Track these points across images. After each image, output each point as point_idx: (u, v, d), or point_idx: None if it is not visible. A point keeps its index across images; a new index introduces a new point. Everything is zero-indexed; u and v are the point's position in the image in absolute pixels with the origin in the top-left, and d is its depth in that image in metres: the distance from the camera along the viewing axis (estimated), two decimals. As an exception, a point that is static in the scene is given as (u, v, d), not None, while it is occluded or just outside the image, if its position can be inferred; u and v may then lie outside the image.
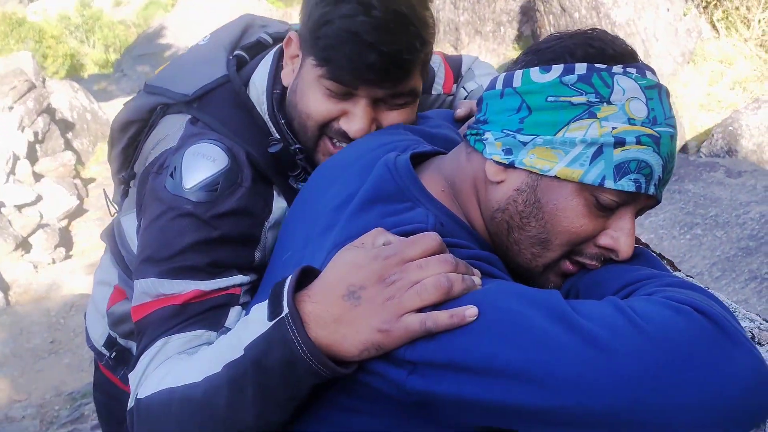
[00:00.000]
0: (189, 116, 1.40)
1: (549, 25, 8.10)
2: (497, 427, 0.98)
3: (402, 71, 1.24)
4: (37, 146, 8.01)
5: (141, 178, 1.44)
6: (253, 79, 1.43)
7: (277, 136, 1.37)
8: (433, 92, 1.67)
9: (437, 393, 0.88)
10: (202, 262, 1.21)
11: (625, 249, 1.01)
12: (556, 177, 0.98)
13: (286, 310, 0.91)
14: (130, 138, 1.59)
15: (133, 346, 1.66)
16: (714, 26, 7.82)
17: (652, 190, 0.98)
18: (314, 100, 1.28)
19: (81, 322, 4.94)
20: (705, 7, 7.86)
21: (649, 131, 0.95)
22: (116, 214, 1.74)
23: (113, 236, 1.68)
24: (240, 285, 1.24)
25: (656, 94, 0.98)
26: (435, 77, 1.67)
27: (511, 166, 1.02)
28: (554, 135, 0.98)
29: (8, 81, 8.38)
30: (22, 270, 6.25)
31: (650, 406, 0.79)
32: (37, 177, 7.62)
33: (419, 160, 1.15)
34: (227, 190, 1.25)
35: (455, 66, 1.72)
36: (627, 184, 0.96)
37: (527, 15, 10.06)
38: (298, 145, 1.36)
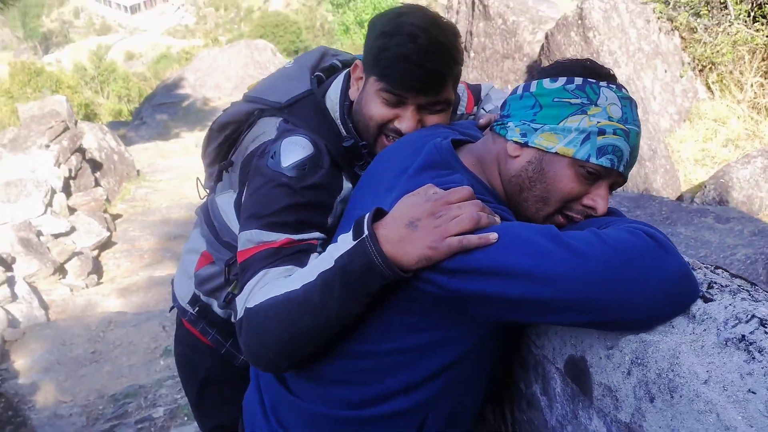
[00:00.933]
0: (281, 119, 1.85)
1: (554, 83, 8.58)
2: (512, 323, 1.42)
3: (439, 84, 1.69)
4: (71, 182, 8.47)
5: (243, 163, 1.88)
6: (328, 94, 1.89)
7: (347, 135, 1.82)
8: (458, 113, 2.11)
9: (469, 291, 1.28)
10: (292, 219, 1.62)
11: (601, 207, 1.42)
12: (556, 153, 1.41)
13: (366, 232, 1.33)
14: (226, 136, 2.05)
15: (212, 302, 2.09)
16: (709, 88, 8.22)
17: (622, 168, 1.41)
18: (375, 107, 1.73)
19: (119, 335, 5.36)
20: (701, 70, 8.30)
21: (622, 127, 1.39)
22: (207, 196, 2.19)
23: (207, 212, 2.11)
24: (317, 239, 1.65)
25: (628, 103, 1.43)
26: (459, 101, 2.12)
27: (525, 145, 1.45)
28: (557, 124, 1.41)
29: (45, 122, 8.89)
30: (59, 292, 6.66)
31: (611, 293, 1.20)
32: (71, 210, 8.06)
33: (455, 145, 1.60)
34: (312, 170, 1.68)
35: (476, 92, 2.17)
36: (605, 161, 1.39)
37: (533, 74, 10.59)
38: (363, 142, 1.81)
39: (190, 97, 18.24)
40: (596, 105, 1.39)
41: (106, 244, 7.92)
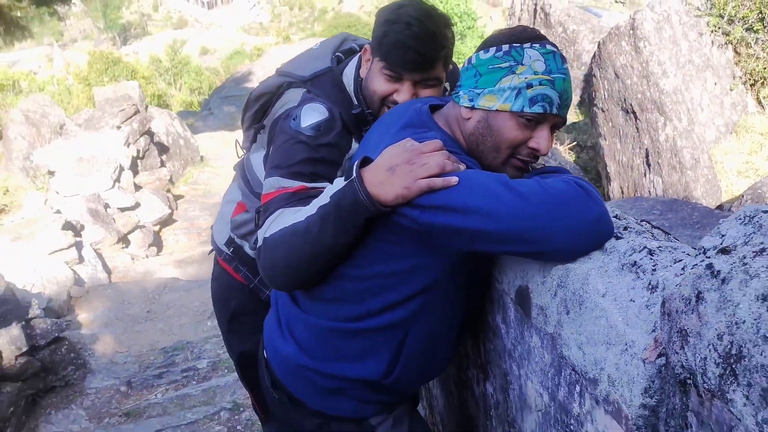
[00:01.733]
0: (304, 90, 2.22)
1: (603, 89, 8.77)
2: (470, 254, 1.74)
3: (430, 65, 2.02)
4: (138, 161, 9.04)
5: (271, 125, 2.26)
6: (345, 71, 2.24)
7: (357, 104, 2.18)
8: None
9: (435, 224, 1.58)
10: (307, 170, 1.95)
11: (543, 147, 1.67)
12: (497, 110, 1.67)
13: (354, 175, 1.66)
14: (261, 105, 2.43)
15: (244, 244, 2.45)
16: (760, 102, 8.26)
17: (555, 111, 1.64)
18: (379, 83, 2.06)
19: (173, 298, 5.84)
20: (752, 85, 8.36)
21: (547, 77, 1.65)
22: (245, 154, 2.57)
23: (243, 168, 2.49)
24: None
25: (551, 56, 1.64)
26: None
27: (473, 108, 1.73)
28: (494, 87, 1.68)
29: (118, 104, 9.51)
30: (121, 259, 7.21)
31: (544, 229, 1.50)
32: (137, 187, 8.63)
33: (433, 110, 1.92)
34: (327, 131, 2.02)
35: None
36: (537, 108, 1.62)
37: (588, 82, 10.75)
38: (369, 111, 2.16)
39: (257, 91, 18.81)
40: (522, 64, 1.64)
41: (167, 221, 8.46)
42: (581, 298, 1.51)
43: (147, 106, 10.51)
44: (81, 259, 6.53)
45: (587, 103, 10.32)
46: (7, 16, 11.13)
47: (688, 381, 1.13)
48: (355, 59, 2.23)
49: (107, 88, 10.58)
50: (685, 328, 1.10)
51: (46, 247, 6.19)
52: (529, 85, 1.64)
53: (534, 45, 1.69)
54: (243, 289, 2.53)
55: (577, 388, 1.54)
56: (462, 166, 1.62)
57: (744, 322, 0.98)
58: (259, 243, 1.87)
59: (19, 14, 11.58)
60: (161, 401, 4.23)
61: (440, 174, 1.57)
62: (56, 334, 4.53)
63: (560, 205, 1.50)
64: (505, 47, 1.69)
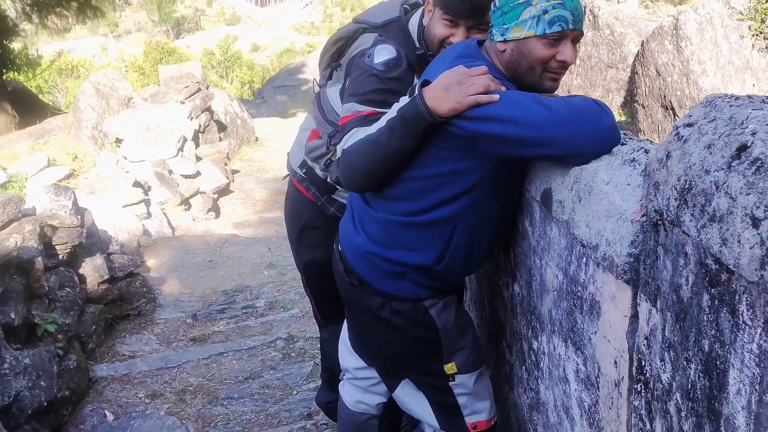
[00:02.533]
0: (377, 34, 2.65)
1: (644, 86, 9.09)
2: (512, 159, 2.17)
3: (481, 13, 2.31)
4: (200, 135, 9.64)
5: (348, 63, 2.69)
6: (411, 20, 2.66)
7: (420, 47, 2.61)
8: None
9: (480, 131, 1.89)
10: (377, 98, 2.32)
11: (569, 58, 1.98)
12: (524, 38, 1.97)
13: (417, 92, 2.05)
14: (338, 47, 2.88)
15: (315, 166, 2.85)
16: (798, 105, 8.58)
17: (571, 26, 1.94)
18: (438, 28, 2.45)
19: (233, 251, 6.39)
20: None
21: (558, 1, 1.92)
22: (320, 90, 2.95)
23: (319, 100, 2.87)
24: None
25: None
26: None
27: (505, 41, 2.02)
28: (517, 20, 1.96)
29: (183, 81, 10.12)
30: (183, 219, 7.79)
31: (567, 134, 1.81)
32: (198, 158, 9.23)
33: (480, 44, 2.32)
34: (394, 67, 2.39)
35: None
36: (557, 28, 1.93)
37: (632, 80, 11.04)
38: (430, 53, 2.57)
39: (308, 82, 19.28)
40: None
41: (224, 191, 9.04)
42: (590, 188, 1.88)
43: (208, 86, 11.11)
44: (149, 215, 7.12)
45: (629, 101, 10.62)
46: (79, -2, 11.76)
47: (659, 221, 1.55)
48: (420, 11, 2.66)
49: (172, 66, 11.22)
50: (658, 180, 1.50)
51: (119, 200, 6.78)
52: (545, 11, 1.96)
53: None
54: (312, 205, 2.94)
55: (584, 259, 1.92)
56: (503, 88, 1.97)
57: (695, 164, 1.38)
58: (338, 155, 2.30)
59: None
60: (224, 330, 4.76)
61: (485, 92, 1.94)
62: (131, 269, 5.09)
63: (581, 116, 1.87)
64: None
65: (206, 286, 5.70)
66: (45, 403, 3.53)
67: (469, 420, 2.43)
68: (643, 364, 1.61)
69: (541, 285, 2.25)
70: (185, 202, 8.16)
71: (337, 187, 2.82)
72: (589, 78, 12.24)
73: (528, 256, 2.36)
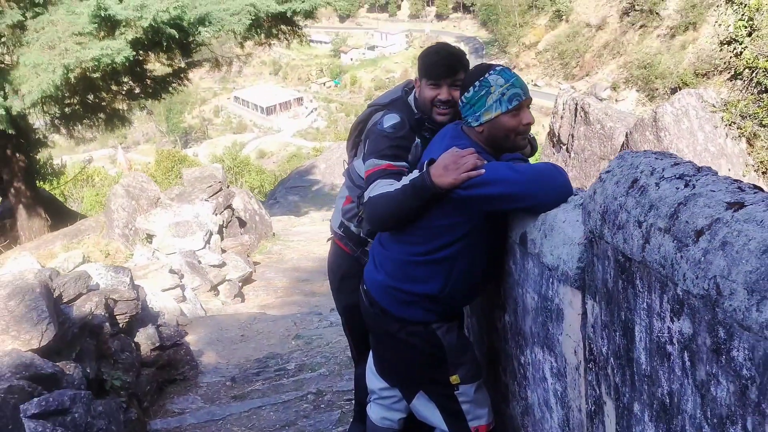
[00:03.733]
0: (385, 110, 3.33)
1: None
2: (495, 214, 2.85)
3: (454, 71, 3.00)
4: (223, 229, 10.48)
5: (366, 134, 3.40)
6: (410, 97, 3.37)
7: (418, 113, 3.15)
8: None
9: (471, 195, 2.49)
10: (390, 153, 2.96)
11: (531, 119, 2.62)
12: (495, 118, 2.59)
13: (425, 170, 2.58)
14: (359, 129, 3.58)
15: (350, 224, 3.42)
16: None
17: (524, 96, 2.60)
18: (426, 92, 3.06)
19: (262, 326, 7.10)
20: (764, 172, 9.28)
21: (508, 84, 2.58)
22: (349, 165, 3.56)
23: (349, 173, 3.56)
24: (404, 166, 2.96)
25: (503, 71, 2.62)
26: None
27: (481, 124, 2.63)
28: (485, 107, 2.59)
29: (206, 181, 11.01)
30: (213, 303, 8.52)
31: (533, 191, 2.48)
32: (223, 250, 10.03)
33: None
34: (400, 129, 3.04)
35: None
36: (515, 102, 2.57)
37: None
38: (426, 117, 3.10)
39: (319, 183, 20.46)
40: (491, 85, 2.58)
41: (248, 279, 9.78)
42: (552, 226, 2.42)
43: (228, 185, 12.00)
44: (184, 298, 7.85)
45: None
46: (107, 108, 12.69)
47: (592, 238, 2.19)
48: (415, 90, 3.29)
49: (194, 168, 12.15)
50: (589, 210, 2.13)
51: (159, 284, 7.53)
52: (503, 93, 2.60)
53: (490, 72, 2.67)
54: (350, 258, 3.48)
55: (550, 280, 2.40)
56: (485, 161, 2.57)
57: (609, 195, 1.95)
58: (364, 200, 2.90)
59: (119, 107, 13.12)
60: (260, 388, 5.41)
61: (474, 168, 2.52)
62: (177, 339, 5.79)
63: (542, 175, 2.51)
64: (476, 83, 2.68)
65: (240, 355, 6.37)
66: (118, 444, 4.15)
67: (472, 424, 2.94)
68: (591, 346, 2.18)
69: (524, 309, 2.74)
70: (214, 289, 8.91)
71: (369, 239, 3.35)
72: (583, 170, 12.93)
73: (513, 288, 2.86)
